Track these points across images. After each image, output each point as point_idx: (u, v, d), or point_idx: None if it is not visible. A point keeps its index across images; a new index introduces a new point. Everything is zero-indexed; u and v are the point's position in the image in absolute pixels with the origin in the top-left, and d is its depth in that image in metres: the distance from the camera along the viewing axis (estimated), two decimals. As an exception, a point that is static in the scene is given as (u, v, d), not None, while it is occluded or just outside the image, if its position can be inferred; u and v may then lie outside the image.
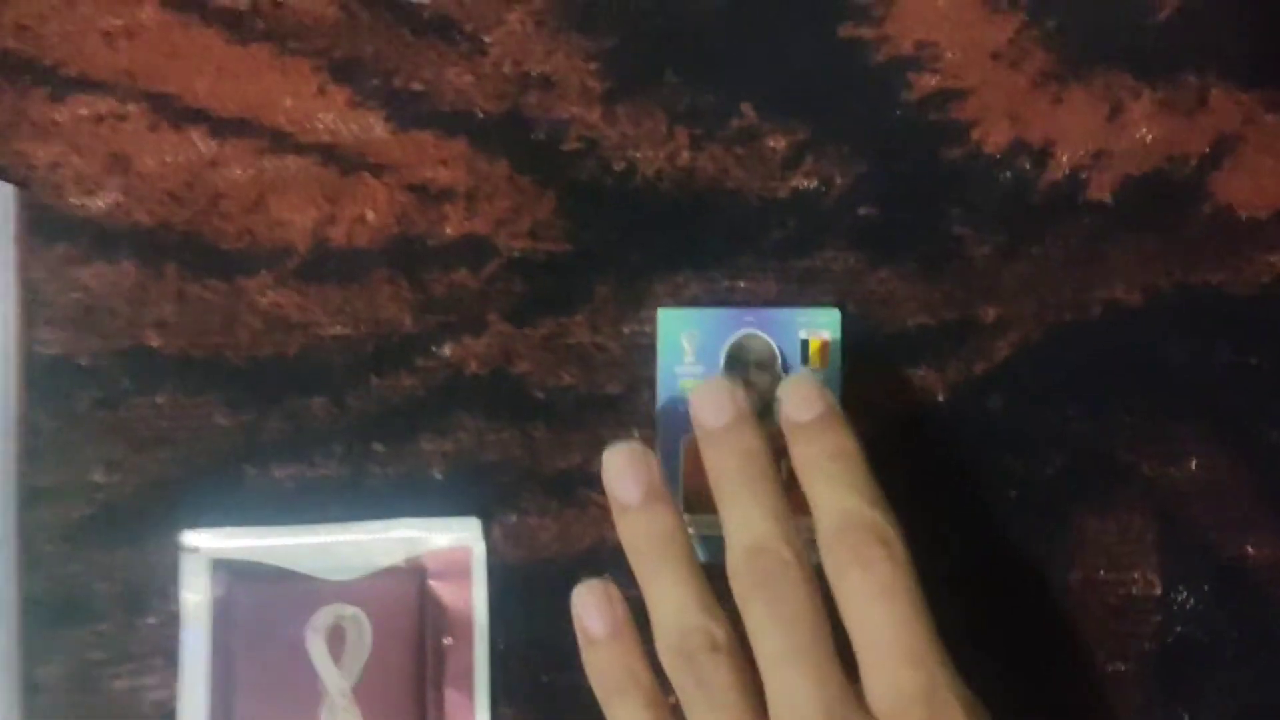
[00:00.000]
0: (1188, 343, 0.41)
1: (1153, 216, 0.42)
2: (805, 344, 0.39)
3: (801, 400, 0.35)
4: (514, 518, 0.40)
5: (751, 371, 0.38)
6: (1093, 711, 0.40)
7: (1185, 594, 0.40)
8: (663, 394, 0.38)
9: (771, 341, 0.38)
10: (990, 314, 0.42)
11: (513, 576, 0.40)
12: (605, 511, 0.41)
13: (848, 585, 0.31)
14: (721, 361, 0.38)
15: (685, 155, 0.42)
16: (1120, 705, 0.40)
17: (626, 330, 0.41)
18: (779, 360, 0.38)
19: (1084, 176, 0.42)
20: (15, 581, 0.39)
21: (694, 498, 0.38)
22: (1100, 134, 0.42)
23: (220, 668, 0.38)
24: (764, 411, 0.37)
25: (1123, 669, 0.40)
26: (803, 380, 0.35)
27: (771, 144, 0.42)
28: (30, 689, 0.39)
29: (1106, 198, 0.42)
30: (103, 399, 0.40)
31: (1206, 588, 0.41)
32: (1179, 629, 0.40)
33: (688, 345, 0.38)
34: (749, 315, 0.39)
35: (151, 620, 0.39)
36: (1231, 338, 0.41)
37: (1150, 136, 0.42)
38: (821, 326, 0.39)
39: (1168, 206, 0.42)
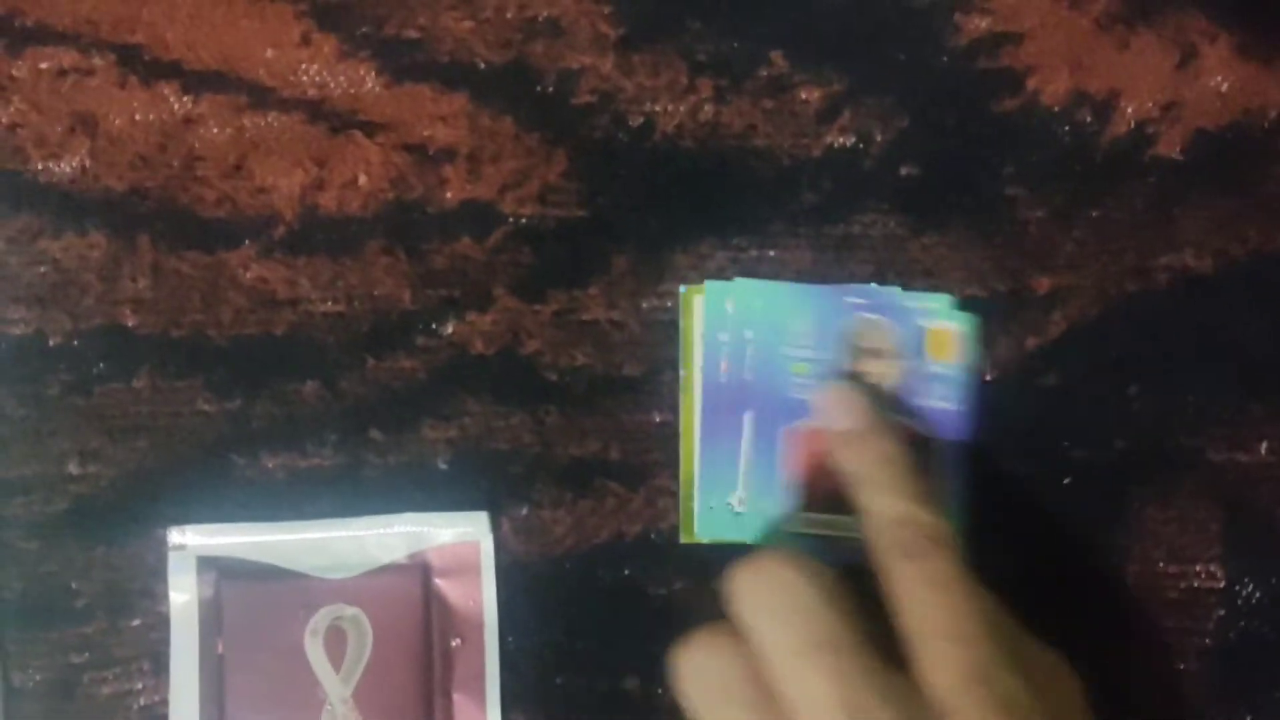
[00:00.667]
0: (1263, 316, 0.38)
1: (1227, 175, 0.38)
2: (926, 333, 0.36)
3: (842, 409, 0.34)
4: (525, 510, 0.37)
5: (868, 358, 0.35)
6: (1151, 711, 0.38)
7: (1251, 587, 0.38)
8: (764, 373, 0.36)
9: (891, 328, 0.36)
10: (1045, 284, 0.38)
11: (524, 573, 0.37)
12: (622, 502, 0.38)
13: (898, 577, 0.30)
14: (839, 346, 0.36)
15: (708, 109, 0.38)
16: (1180, 704, 0.38)
17: (645, 305, 0.38)
18: (898, 348, 0.36)
19: (1151, 131, 0.38)
20: (-12, 582, 0.36)
21: (799, 489, 0.36)
22: (1170, 83, 0.38)
23: (211, 673, 0.36)
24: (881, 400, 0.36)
25: (1183, 667, 0.38)
26: (842, 390, 0.35)
27: (804, 96, 0.38)
28: (10, 695, 0.36)
29: (1176, 154, 0.38)
30: (75, 383, 0.37)
31: (1274, 580, 0.38)
32: (1243, 624, 0.38)
33: (798, 326, 0.35)
34: (859, 297, 0.37)
35: (137, 622, 0.36)
36: (1309, 309, 0.38)
37: (1226, 86, 0.38)
38: (939, 314, 0.36)
39: (1244, 164, 0.38)
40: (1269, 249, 0.38)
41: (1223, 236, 0.38)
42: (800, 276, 0.38)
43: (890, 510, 0.32)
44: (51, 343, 0.37)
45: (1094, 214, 0.38)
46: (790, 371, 0.37)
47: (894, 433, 0.34)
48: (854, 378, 0.36)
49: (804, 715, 0.28)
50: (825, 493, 0.35)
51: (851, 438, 0.34)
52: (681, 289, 0.38)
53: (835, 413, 0.35)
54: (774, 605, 0.29)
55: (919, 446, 0.35)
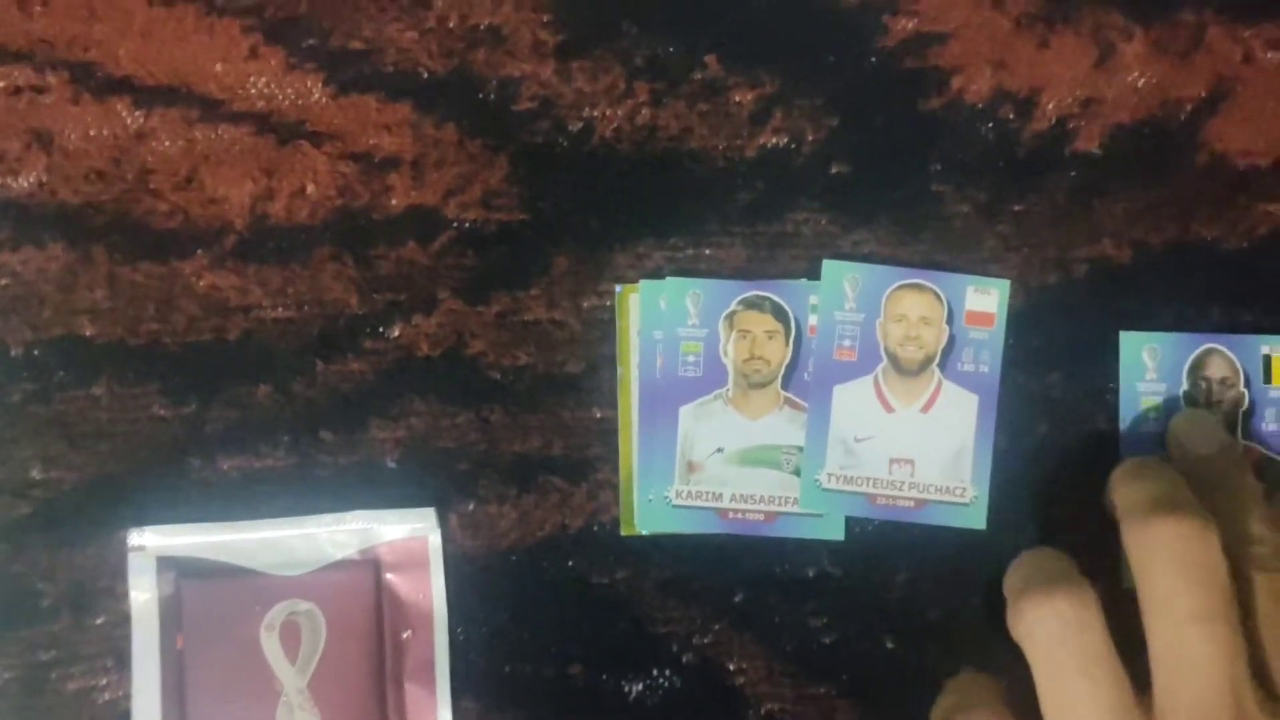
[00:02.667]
0: (1180, 304, 0.39)
1: (1144, 168, 0.39)
2: (1268, 360, 0.38)
3: (1200, 435, 0.36)
4: (471, 506, 0.39)
5: (1215, 388, 0.37)
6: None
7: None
8: (1126, 413, 0.37)
9: (1235, 359, 0.37)
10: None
11: (471, 566, 0.38)
12: (565, 496, 0.39)
13: (1256, 589, 0.32)
14: (1184, 379, 0.37)
15: (645, 113, 0.39)
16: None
17: (586, 305, 0.39)
18: (1242, 377, 0.37)
19: (1071, 126, 0.39)
20: (-45, 585, 0.37)
21: None
22: (1089, 80, 0.39)
23: (172, 667, 0.37)
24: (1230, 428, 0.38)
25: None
26: (1197, 417, 0.37)
27: (737, 98, 0.39)
28: (-21, 693, 0.37)
29: (1095, 149, 0.39)
30: (36, 391, 0.38)
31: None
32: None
33: (1149, 361, 0.37)
34: (1209, 338, 0.38)
35: (100, 620, 0.38)
36: (1225, 295, 0.39)
37: (1142, 81, 0.39)
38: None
39: (1160, 157, 0.39)
40: (1185, 239, 0.39)
41: (1141, 227, 0.39)
42: (735, 274, 0.39)
43: (1250, 529, 0.33)
44: (13, 353, 0.38)
45: (1016, 208, 0.39)
46: (682, 351, 0.38)
47: (1244, 457, 0.36)
48: (1203, 406, 0.37)
49: (1186, 678, 0.29)
50: None
51: (1214, 462, 0.35)
52: (618, 288, 0.39)
53: (1194, 440, 0.36)
54: (1187, 565, 0.30)
55: (1263, 468, 0.37)
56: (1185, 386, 0.37)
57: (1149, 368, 0.37)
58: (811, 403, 0.36)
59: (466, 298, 0.39)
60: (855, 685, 0.38)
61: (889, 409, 0.37)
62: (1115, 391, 0.39)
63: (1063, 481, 0.39)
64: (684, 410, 0.38)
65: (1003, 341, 0.37)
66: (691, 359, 0.38)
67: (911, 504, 0.37)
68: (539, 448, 0.39)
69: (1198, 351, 0.37)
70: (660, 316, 0.38)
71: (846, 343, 0.36)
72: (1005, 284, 0.37)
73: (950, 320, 0.37)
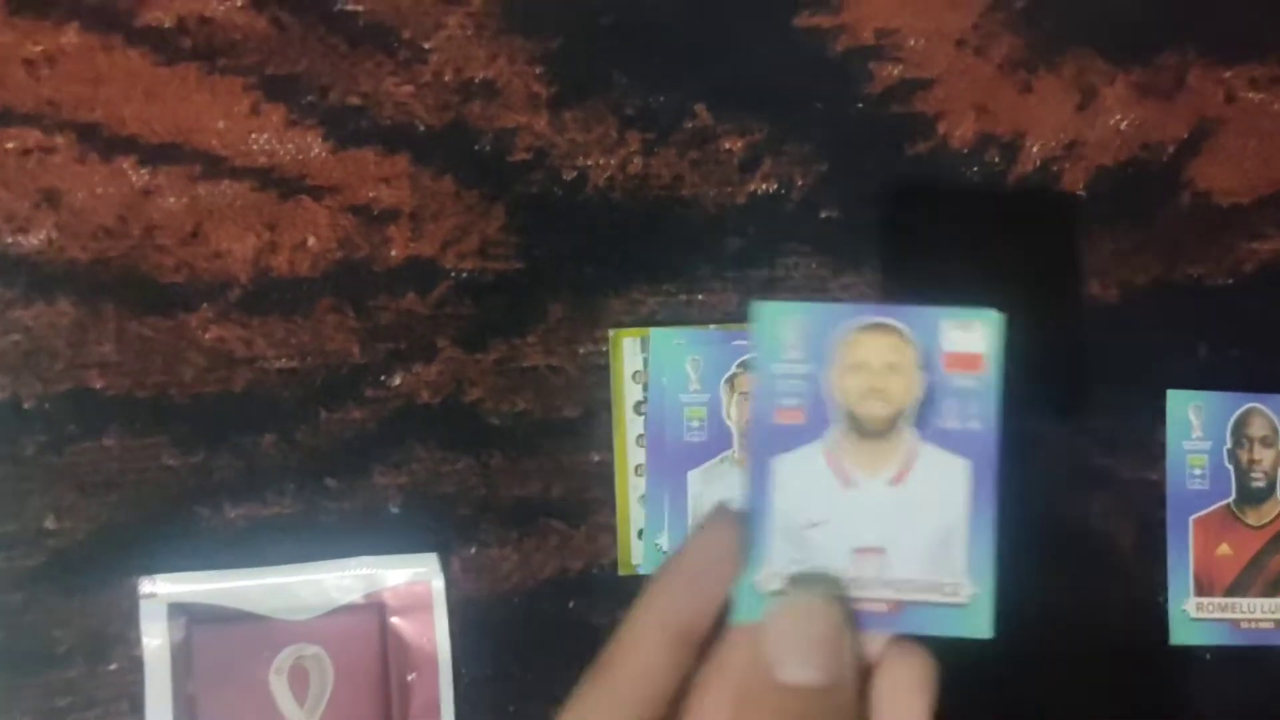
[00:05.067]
0: (1167, 341, 0.40)
1: (1128, 208, 0.40)
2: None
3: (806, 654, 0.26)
4: (473, 549, 0.39)
5: (1256, 447, 0.37)
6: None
7: (1161, 599, 0.39)
8: (1173, 470, 0.35)
9: (1276, 419, 0.34)
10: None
11: (475, 609, 0.39)
12: (565, 538, 0.40)
13: None
14: (1228, 436, 0.37)
15: (637, 161, 0.40)
16: (1099, 710, 0.39)
17: (581, 351, 0.40)
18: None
19: (1055, 169, 0.40)
20: (-27, 634, 0.38)
21: (1204, 579, 0.38)
22: (1072, 123, 0.40)
23: (184, 712, 0.38)
24: (1264, 494, 0.36)
25: (1100, 675, 0.39)
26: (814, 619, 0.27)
27: (728, 145, 0.40)
28: (-3, 738, 0.39)
29: (1079, 190, 0.40)
30: (49, 443, 0.39)
31: (1187, 591, 0.39)
32: (1155, 636, 0.40)
33: (1194, 419, 0.37)
34: (1252, 397, 0.37)
35: (114, 666, 0.39)
36: (1211, 332, 0.40)
37: (1125, 123, 0.40)
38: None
39: (1144, 197, 0.40)
40: (1170, 278, 0.40)
41: (1126, 266, 0.40)
42: (727, 318, 0.40)
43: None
44: (25, 406, 0.39)
45: (1004, 249, 0.40)
46: (685, 417, 0.39)
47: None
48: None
49: None
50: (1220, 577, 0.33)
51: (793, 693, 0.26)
52: (611, 333, 0.40)
53: (786, 648, 0.26)
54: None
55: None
56: (1229, 444, 0.38)
57: (1194, 425, 0.38)
58: (749, 478, 0.27)
59: (465, 346, 0.40)
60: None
61: (848, 483, 0.28)
62: (1113, 437, 0.39)
63: (1088, 563, 0.39)
64: (692, 475, 0.39)
65: (997, 389, 0.28)
66: (696, 423, 0.39)
67: (885, 608, 0.27)
68: (539, 491, 0.39)
69: (1240, 411, 0.38)
70: (664, 373, 0.39)
71: (789, 401, 0.28)
72: (995, 316, 0.28)
73: (925, 366, 0.28)
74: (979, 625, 0.27)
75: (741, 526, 0.27)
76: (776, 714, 0.25)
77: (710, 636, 0.26)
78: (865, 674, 0.26)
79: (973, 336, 0.29)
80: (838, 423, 0.28)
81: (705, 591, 0.26)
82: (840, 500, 0.28)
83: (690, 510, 0.39)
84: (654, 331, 0.39)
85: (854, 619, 0.27)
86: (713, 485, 0.39)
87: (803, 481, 0.28)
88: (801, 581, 0.27)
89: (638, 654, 0.26)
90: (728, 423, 0.39)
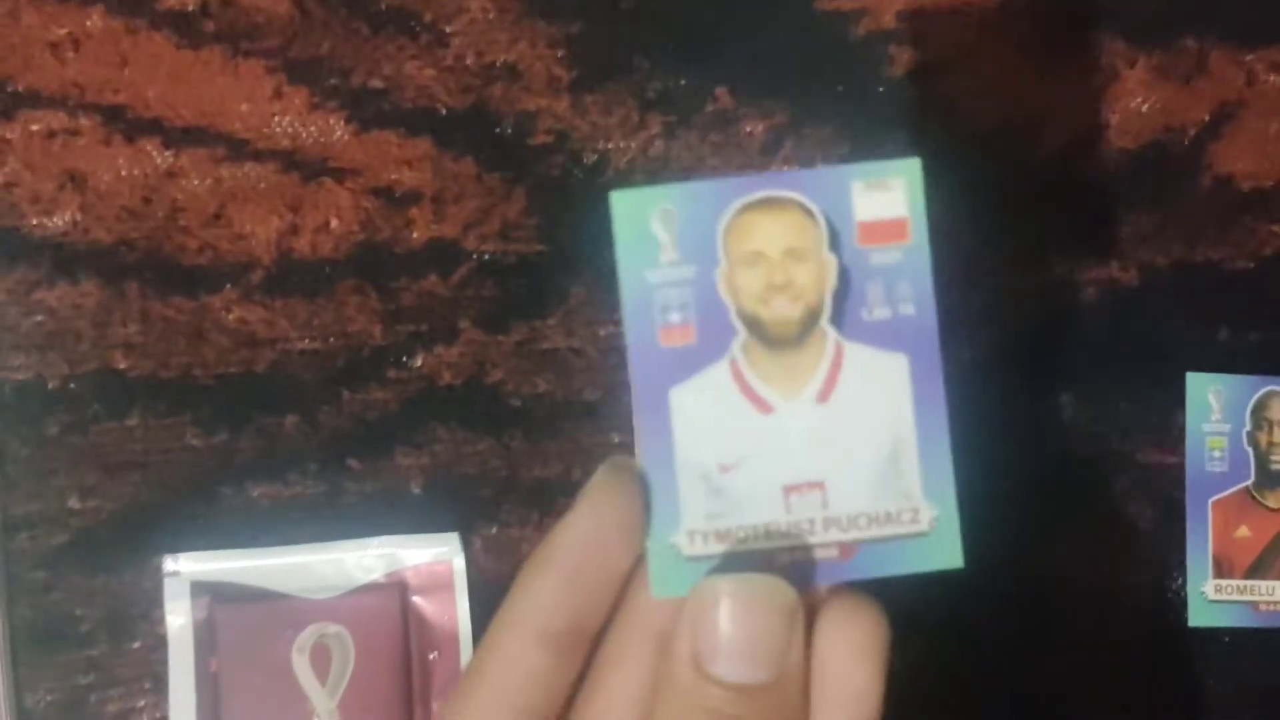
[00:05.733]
0: (1187, 324, 0.40)
1: (1148, 192, 0.40)
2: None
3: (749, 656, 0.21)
4: (494, 529, 0.40)
5: (1276, 430, 0.37)
6: (1090, 703, 0.40)
7: (1180, 581, 0.40)
8: (1192, 452, 0.35)
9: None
10: (978, 300, 0.40)
11: (495, 589, 0.39)
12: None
13: None
14: (1247, 419, 0.37)
15: (659, 144, 0.40)
16: (1119, 695, 0.40)
17: (602, 333, 0.40)
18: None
19: (1076, 152, 0.40)
20: (0, 609, 0.39)
21: (1223, 562, 0.38)
22: (1092, 106, 0.40)
23: (207, 690, 0.38)
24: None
25: (1119, 661, 0.39)
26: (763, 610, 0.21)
27: (748, 128, 0.40)
28: (22, 715, 0.39)
29: (1100, 174, 0.40)
30: (73, 423, 0.39)
31: (1207, 574, 0.40)
32: (1172, 617, 0.40)
33: (1214, 402, 0.37)
34: (1272, 381, 0.37)
35: (137, 644, 0.39)
36: (1232, 315, 0.40)
37: (1145, 107, 0.40)
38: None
39: (1164, 180, 0.40)
40: (1190, 260, 0.40)
41: (1147, 250, 0.40)
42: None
43: None
44: (50, 386, 0.40)
45: (1025, 233, 0.40)
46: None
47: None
48: None
49: None
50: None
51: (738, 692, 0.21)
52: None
53: (739, 652, 0.21)
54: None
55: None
56: (1248, 426, 0.38)
57: (1214, 408, 0.38)
58: (640, 424, 0.22)
59: (487, 328, 0.40)
60: None
61: (766, 408, 0.22)
62: (1123, 412, 0.39)
63: (1106, 545, 0.39)
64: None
65: (928, 257, 0.23)
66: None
67: (835, 552, 0.22)
68: (559, 473, 0.40)
69: (1260, 394, 0.38)
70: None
71: (675, 317, 0.22)
72: (913, 164, 0.23)
73: (836, 245, 0.22)
74: (946, 555, 0.22)
75: (636, 487, 0.22)
76: (708, 715, 0.21)
77: (601, 631, 0.22)
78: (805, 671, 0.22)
79: (891, 197, 0.23)
80: (739, 334, 0.22)
81: (590, 586, 0.22)
82: (758, 430, 0.22)
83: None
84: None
85: (800, 607, 0.21)
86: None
87: (709, 413, 0.22)
88: (738, 555, 0.22)
89: (509, 662, 0.22)
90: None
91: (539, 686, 0.22)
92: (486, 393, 0.40)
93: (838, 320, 0.22)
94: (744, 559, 0.22)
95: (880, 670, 0.22)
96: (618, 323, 0.40)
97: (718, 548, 0.22)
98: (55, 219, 0.40)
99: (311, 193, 0.40)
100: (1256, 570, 0.39)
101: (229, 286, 0.40)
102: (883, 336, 0.22)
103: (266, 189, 0.40)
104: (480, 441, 0.40)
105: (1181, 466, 0.39)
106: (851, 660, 0.22)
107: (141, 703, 0.39)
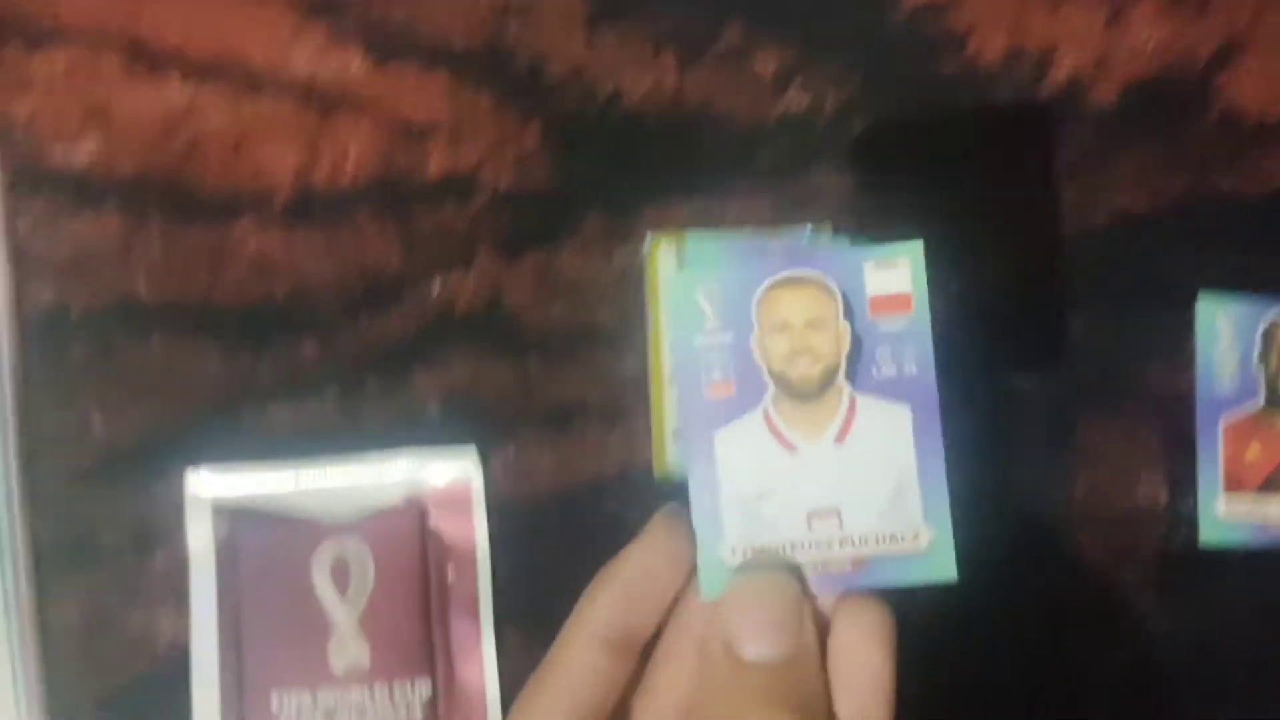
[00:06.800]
0: (1195, 251, 0.40)
1: (1158, 122, 0.41)
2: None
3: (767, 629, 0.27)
4: (512, 451, 0.40)
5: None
6: (1098, 618, 0.40)
7: (1190, 502, 0.40)
8: (1202, 375, 0.37)
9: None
10: (991, 227, 0.41)
11: (512, 509, 0.40)
12: (601, 442, 0.41)
13: None
14: (1257, 342, 0.38)
15: (672, 79, 0.41)
16: (1126, 611, 0.40)
17: (617, 260, 0.41)
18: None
19: (1085, 84, 0.41)
20: (24, 528, 0.39)
21: (1234, 481, 0.39)
22: (1102, 38, 0.41)
23: (229, 607, 0.39)
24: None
25: (1128, 578, 0.40)
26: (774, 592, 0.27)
27: (760, 64, 0.41)
28: (46, 631, 0.39)
29: (1109, 105, 0.41)
30: (96, 348, 0.40)
31: (1213, 500, 0.40)
32: (1183, 535, 0.40)
33: (1224, 326, 0.38)
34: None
35: (160, 562, 0.40)
36: (1239, 245, 0.40)
37: (1154, 39, 0.41)
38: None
39: (1173, 111, 0.41)
40: (1199, 190, 0.41)
41: (1156, 179, 0.41)
42: (761, 229, 0.41)
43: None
44: (74, 313, 0.40)
45: (1034, 162, 0.41)
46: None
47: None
48: None
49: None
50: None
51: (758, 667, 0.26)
52: (648, 237, 0.40)
53: (754, 629, 0.26)
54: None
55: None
56: (1259, 349, 0.38)
57: (1224, 331, 0.39)
58: (690, 461, 0.27)
59: (503, 254, 0.41)
60: None
61: (792, 449, 0.27)
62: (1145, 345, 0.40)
63: (1117, 467, 0.39)
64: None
65: (928, 326, 0.27)
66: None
67: (847, 567, 0.27)
68: (575, 396, 0.40)
69: (1271, 317, 0.39)
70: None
71: (718, 374, 0.27)
72: (915, 247, 0.27)
73: (850, 315, 0.27)
74: (942, 569, 0.27)
75: (686, 529, 0.27)
76: (741, 690, 0.26)
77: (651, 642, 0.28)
78: (825, 635, 0.27)
79: (896, 274, 0.27)
80: (770, 389, 0.27)
81: (643, 604, 0.28)
82: (786, 467, 0.28)
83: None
84: (690, 236, 0.40)
85: (809, 589, 0.27)
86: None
87: (746, 453, 0.27)
88: (754, 561, 0.27)
89: (577, 660, 0.28)
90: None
91: (598, 683, 0.27)
92: (503, 318, 0.40)
93: (851, 377, 0.27)
94: None
95: (889, 652, 0.26)
96: (631, 251, 0.41)
97: None
98: (78, 152, 0.40)
99: (330, 125, 0.41)
100: (1266, 490, 0.39)
101: (249, 216, 0.41)
102: (890, 391, 0.27)
103: (285, 122, 0.41)
104: (497, 365, 0.40)
105: (1192, 389, 0.40)
106: (864, 643, 0.26)
107: (164, 620, 0.40)
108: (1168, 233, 0.40)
